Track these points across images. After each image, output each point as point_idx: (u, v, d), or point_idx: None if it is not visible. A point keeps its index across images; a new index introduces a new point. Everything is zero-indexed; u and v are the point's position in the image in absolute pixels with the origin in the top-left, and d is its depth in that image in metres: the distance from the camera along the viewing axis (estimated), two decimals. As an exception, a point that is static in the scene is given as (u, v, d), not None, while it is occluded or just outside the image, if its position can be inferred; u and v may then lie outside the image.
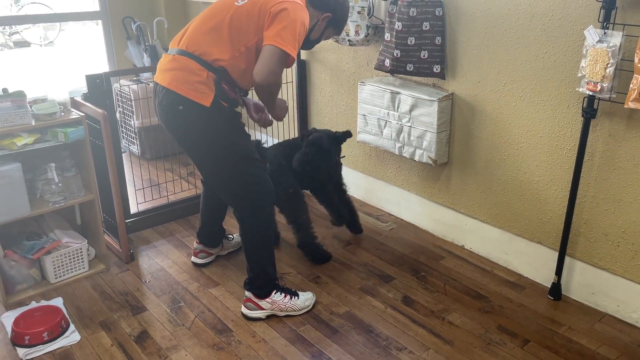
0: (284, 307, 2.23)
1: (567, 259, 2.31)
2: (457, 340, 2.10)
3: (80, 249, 2.51)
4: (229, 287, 2.46)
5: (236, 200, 2.16)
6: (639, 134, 2.01)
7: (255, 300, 2.22)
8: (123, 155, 2.96)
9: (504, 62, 2.37)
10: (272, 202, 2.22)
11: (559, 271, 2.32)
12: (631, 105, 1.89)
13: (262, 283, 2.22)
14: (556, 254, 2.32)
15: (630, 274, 2.15)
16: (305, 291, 2.34)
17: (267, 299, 2.21)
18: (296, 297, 2.26)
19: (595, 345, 2.07)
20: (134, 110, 3.79)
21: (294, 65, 3.40)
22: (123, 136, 4.06)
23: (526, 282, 2.48)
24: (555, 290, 2.33)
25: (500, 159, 2.50)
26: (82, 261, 2.54)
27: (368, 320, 2.22)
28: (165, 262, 2.68)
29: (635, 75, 1.87)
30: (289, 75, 3.50)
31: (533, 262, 2.48)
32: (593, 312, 2.26)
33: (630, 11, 1.93)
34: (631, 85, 1.88)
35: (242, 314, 2.26)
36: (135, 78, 3.94)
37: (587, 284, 2.29)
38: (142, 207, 3.03)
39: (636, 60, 1.86)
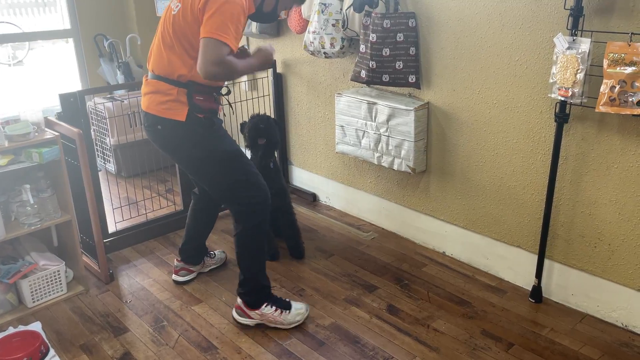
0: (272, 320, 2.22)
1: (546, 262, 2.35)
2: (442, 347, 2.11)
3: (58, 271, 2.46)
4: (212, 303, 2.43)
5: (232, 203, 2.19)
6: (610, 136, 2.07)
7: (245, 309, 2.23)
8: (99, 173, 2.91)
9: (477, 70, 2.41)
10: (268, 199, 2.19)
11: (539, 274, 2.35)
12: (602, 109, 1.94)
13: (251, 290, 2.22)
14: (535, 257, 2.36)
15: (608, 273, 2.20)
16: (299, 302, 2.32)
17: (257, 311, 2.21)
18: (287, 312, 2.23)
19: (577, 345, 2.10)
20: (108, 128, 3.74)
21: (270, 78, 3.41)
22: (98, 154, 4.00)
23: (507, 286, 2.51)
24: (536, 293, 2.37)
25: (477, 166, 2.54)
26: (60, 283, 2.48)
27: (354, 331, 2.22)
28: (146, 281, 2.64)
29: (604, 80, 1.93)
30: (266, 88, 3.51)
31: (513, 266, 2.51)
32: (574, 313, 2.29)
33: (597, 18, 1.99)
34: (601, 90, 1.94)
35: (232, 316, 2.28)
36: (109, 95, 3.89)
37: (567, 285, 2.33)
38: (120, 226, 2.98)
39: (605, 65, 1.92)
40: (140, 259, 2.85)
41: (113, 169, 3.91)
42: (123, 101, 3.71)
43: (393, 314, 2.32)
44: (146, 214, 3.17)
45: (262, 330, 2.24)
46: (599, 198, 2.15)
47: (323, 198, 3.45)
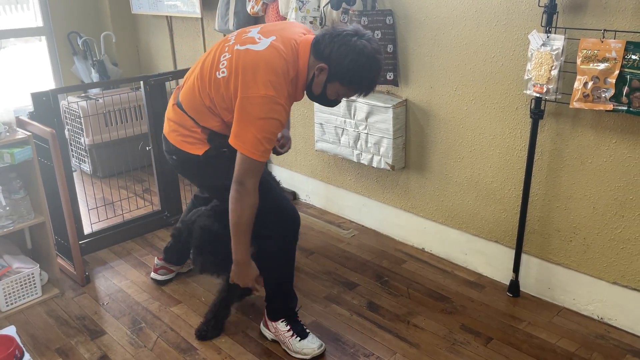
0: (283, 339, 2.10)
1: (523, 256, 2.38)
2: (422, 343, 2.12)
3: (32, 274, 2.40)
4: (191, 304, 2.41)
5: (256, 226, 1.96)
6: (584, 132, 2.10)
7: (267, 319, 2.16)
8: (74, 174, 2.86)
9: (454, 68, 2.43)
10: (294, 221, 2.07)
11: (516, 268, 2.38)
12: (576, 105, 1.97)
13: (275, 303, 2.14)
14: (513, 252, 2.38)
15: (584, 267, 2.23)
16: (317, 339, 2.10)
17: (274, 323, 2.13)
18: (298, 339, 2.07)
19: (555, 338, 2.13)
20: (83, 127, 3.67)
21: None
22: (73, 154, 3.93)
23: (486, 281, 2.53)
24: (514, 287, 2.40)
25: (455, 162, 2.56)
26: (35, 286, 2.43)
27: (335, 329, 2.22)
28: (123, 282, 2.60)
29: (578, 76, 1.95)
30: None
31: (491, 261, 2.54)
32: (551, 307, 2.33)
33: (571, 15, 2.02)
34: (575, 86, 1.96)
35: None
36: (83, 94, 3.83)
37: (544, 279, 2.36)
38: (96, 227, 2.93)
39: (578, 62, 1.95)
40: (117, 260, 2.80)
41: (88, 169, 3.85)
42: (98, 100, 3.65)
43: (373, 311, 2.33)
44: (123, 214, 3.13)
45: (242, 330, 2.22)
46: (574, 193, 2.18)
47: (303, 196, 3.44)
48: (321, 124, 2.95)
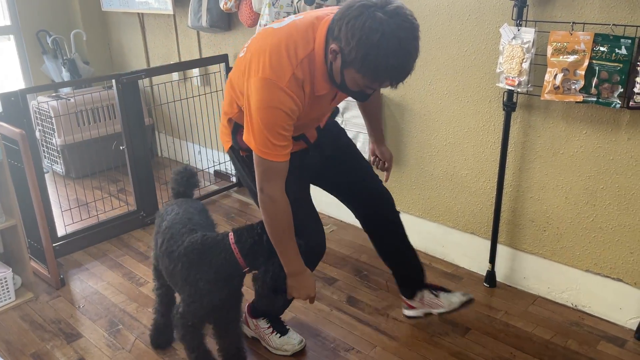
0: (263, 336, 2.08)
1: (499, 247, 2.42)
2: (402, 336, 2.14)
3: (5, 278, 2.35)
4: (169, 304, 2.39)
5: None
6: (555, 123, 2.14)
7: (248, 316, 2.12)
8: (46, 175, 2.80)
9: (428, 62, 2.44)
10: (319, 253, 1.87)
11: (492, 259, 2.42)
12: (547, 97, 2.00)
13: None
14: (489, 243, 2.42)
15: (558, 256, 2.28)
16: (296, 334, 2.08)
17: (254, 320, 2.10)
18: (278, 335, 2.05)
19: (531, 327, 2.17)
20: (55, 127, 3.60)
21: (223, 73, 3.35)
22: (45, 155, 3.85)
23: (463, 272, 2.56)
24: (490, 278, 2.43)
25: (430, 155, 2.58)
26: (8, 291, 2.38)
27: (314, 325, 2.22)
28: (99, 284, 2.56)
29: (548, 68, 1.98)
30: (218, 82, 3.45)
31: (468, 252, 2.57)
32: (527, 296, 2.37)
33: (541, 8, 2.05)
34: (546, 78, 1.99)
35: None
36: (54, 94, 3.75)
37: (519, 269, 2.40)
38: (70, 229, 2.88)
39: (548, 54, 1.98)
40: (93, 262, 2.76)
41: (61, 171, 3.77)
42: (69, 99, 3.58)
43: (353, 305, 2.34)
44: (97, 215, 3.08)
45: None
46: (547, 183, 2.22)
47: (280, 193, 3.43)
48: (297, 120, 2.94)
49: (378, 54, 1.36)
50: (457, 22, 2.29)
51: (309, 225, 1.82)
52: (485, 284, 2.45)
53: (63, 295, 2.48)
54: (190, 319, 1.76)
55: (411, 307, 2.16)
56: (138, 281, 2.57)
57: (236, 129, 1.76)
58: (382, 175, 2.07)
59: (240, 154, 1.81)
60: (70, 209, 3.06)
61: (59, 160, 3.76)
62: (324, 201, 3.16)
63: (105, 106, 3.74)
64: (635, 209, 2.03)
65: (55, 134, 3.63)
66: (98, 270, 2.68)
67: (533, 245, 2.34)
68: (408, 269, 2.12)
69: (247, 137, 1.57)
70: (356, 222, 3.01)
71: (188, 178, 2.04)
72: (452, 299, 2.07)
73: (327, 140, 1.92)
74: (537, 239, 2.32)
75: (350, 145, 2.03)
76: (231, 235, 1.71)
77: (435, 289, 2.12)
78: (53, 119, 3.53)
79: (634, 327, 2.11)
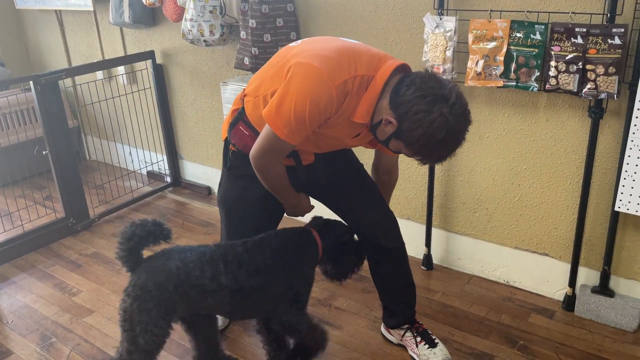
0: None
1: (433, 231, 2.49)
2: (345, 324, 2.17)
3: None
4: (105, 312, 2.30)
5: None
6: (479, 108, 2.22)
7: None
8: (-39, 186, 2.62)
9: (357, 52, 2.47)
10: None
11: (428, 243, 2.49)
12: (470, 83, 2.08)
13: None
14: (424, 228, 2.48)
15: (488, 236, 2.37)
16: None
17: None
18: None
19: (467, 305, 2.25)
20: (-31, 134, 3.36)
21: (150, 70, 3.25)
22: (-40, 165, 3.59)
23: (402, 257, 2.62)
24: (427, 260, 2.50)
25: (364, 145, 2.61)
26: None
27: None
28: (28, 297, 2.42)
29: (470, 55, 2.05)
30: (146, 80, 3.35)
31: (405, 237, 2.60)
32: (462, 276, 2.46)
33: (460, -2, 2.12)
34: (468, 65, 2.06)
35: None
36: (-34, 98, 3.50)
37: (453, 250, 2.49)
38: (-7, 241, 2.71)
39: (469, 42, 2.04)
40: (21, 274, 2.61)
41: (-20, 180, 3.53)
42: (-16, 104, 3.35)
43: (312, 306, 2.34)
44: (22, 225, 2.91)
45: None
46: (475, 166, 2.31)
47: (218, 190, 3.38)
48: (230, 115, 2.90)
49: (435, 147, 1.46)
50: (382, 12, 2.33)
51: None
52: (422, 267, 2.52)
53: (-12, 312, 2.33)
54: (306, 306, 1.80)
55: (388, 331, 2.07)
56: (70, 291, 2.46)
57: (235, 122, 1.74)
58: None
59: (229, 148, 1.81)
60: (-9, 220, 2.89)
61: (-24, 169, 3.52)
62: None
63: (25, 109, 3.54)
64: (556, 186, 2.15)
65: (-29, 142, 3.39)
66: (26, 282, 2.54)
67: (465, 227, 2.43)
68: (399, 306, 2.01)
69: (269, 112, 1.52)
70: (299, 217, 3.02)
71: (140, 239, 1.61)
72: None
73: (327, 169, 1.84)
74: (469, 220, 2.40)
75: (349, 172, 1.91)
76: (314, 231, 1.81)
77: (423, 336, 1.97)
78: (-33, 125, 3.30)
79: (561, 298, 2.23)
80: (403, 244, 1.96)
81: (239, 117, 1.73)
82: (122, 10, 3.06)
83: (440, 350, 1.93)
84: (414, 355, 1.96)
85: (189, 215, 3.15)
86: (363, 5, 2.37)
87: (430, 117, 1.40)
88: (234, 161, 1.81)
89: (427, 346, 1.94)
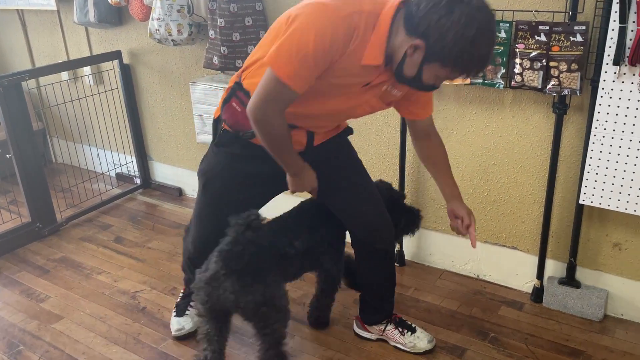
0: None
1: (406, 227, 2.51)
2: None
3: None
4: (74, 318, 2.25)
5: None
6: (448, 106, 2.25)
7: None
8: None
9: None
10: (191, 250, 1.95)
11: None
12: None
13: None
14: (396, 224, 2.51)
15: (459, 231, 2.41)
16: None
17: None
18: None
19: (439, 300, 2.29)
20: None
21: (117, 70, 3.19)
22: None
23: (375, 254, 2.64)
24: (400, 257, 2.53)
25: (336, 143, 2.62)
26: None
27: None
28: (-7, 305, 2.36)
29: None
30: (113, 80, 3.29)
31: (378, 235, 2.65)
32: (433, 271, 2.49)
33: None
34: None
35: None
36: None
37: (425, 246, 2.52)
38: (-45, 249, 2.63)
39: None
40: (-15, 281, 2.54)
41: (-60, 185, 3.42)
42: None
43: (269, 298, 2.33)
44: (-14, 231, 2.83)
45: (133, 337, 2.12)
46: (445, 163, 2.34)
47: (189, 191, 3.34)
48: (201, 115, 2.87)
49: (473, 48, 1.35)
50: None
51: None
52: (396, 263, 2.53)
53: (-49, 322, 2.26)
54: None
55: (365, 330, 2.07)
56: (38, 297, 2.40)
57: (228, 99, 1.65)
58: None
59: (221, 125, 1.71)
60: (-47, 227, 2.79)
61: (-64, 174, 3.40)
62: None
63: (-13, 112, 3.43)
64: (522, 181, 2.20)
65: None
66: (-9, 290, 2.47)
67: (436, 223, 2.46)
68: (384, 303, 2.03)
69: (269, 56, 1.41)
70: (266, 213, 3.01)
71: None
72: (419, 345, 1.98)
73: (321, 163, 1.76)
74: (439, 216, 2.44)
75: (345, 166, 1.87)
76: None
77: (402, 325, 2.01)
78: None
79: (530, 291, 2.29)
80: (394, 247, 2.00)
81: (232, 92, 1.64)
82: (86, 9, 3.00)
83: (422, 332, 2.00)
84: (399, 346, 2.00)
85: (160, 217, 3.11)
86: (332, 4, 2.38)
87: (454, 18, 1.32)
88: (223, 137, 1.72)
89: (409, 333, 1.99)
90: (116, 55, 3.14)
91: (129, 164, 3.51)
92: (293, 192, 1.75)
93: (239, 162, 1.73)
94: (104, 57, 3.14)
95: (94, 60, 3.19)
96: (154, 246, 2.78)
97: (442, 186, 1.86)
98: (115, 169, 3.58)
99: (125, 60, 3.20)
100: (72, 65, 3.20)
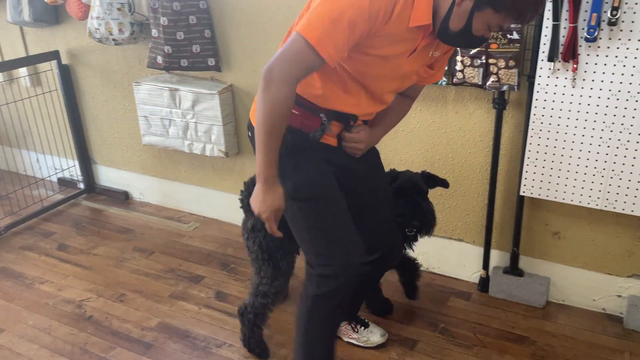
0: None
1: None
2: (273, 322, 2.15)
3: None
4: (17, 330, 2.15)
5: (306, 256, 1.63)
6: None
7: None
8: None
9: (273, 50, 2.46)
10: (349, 266, 1.56)
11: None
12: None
13: None
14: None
15: (408, 225, 2.46)
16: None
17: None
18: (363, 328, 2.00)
19: (390, 294, 2.32)
20: None
21: (56, 71, 3.07)
22: None
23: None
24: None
25: (285, 142, 2.62)
26: None
27: (183, 326, 2.16)
28: None
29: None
30: (52, 82, 3.16)
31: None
32: (385, 266, 2.53)
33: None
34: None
35: None
36: None
37: (377, 242, 2.55)
38: None
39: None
40: None
41: None
42: None
43: (222, 300, 2.31)
44: None
45: (80, 347, 2.05)
46: (393, 158, 2.38)
47: (136, 195, 3.26)
48: (146, 116, 2.80)
49: None
50: (297, 9, 2.34)
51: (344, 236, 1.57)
52: (347, 260, 2.56)
53: None
54: None
55: None
56: (-25, 311, 2.28)
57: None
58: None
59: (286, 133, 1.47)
60: None
61: None
62: (184, 198, 3.07)
63: None
64: (466, 174, 2.26)
65: None
66: None
67: (386, 218, 2.50)
68: (351, 307, 2.01)
69: (300, 24, 1.32)
70: (219, 216, 2.98)
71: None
72: (372, 339, 2.01)
73: (359, 173, 1.66)
74: (389, 211, 2.48)
75: (377, 188, 1.77)
76: None
77: (355, 322, 2.03)
78: None
79: (477, 281, 2.36)
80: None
81: None
82: (20, 8, 2.87)
83: (374, 327, 2.04)
84: (352, 341, 2.03)
85: (106, 222, 3.02)
86: (277, 1, 2.37)
87: None
88: (296, 143, 1.51)
89: (362, 328, 2.03)
90: (54, 55, 3.02)
91: (72, 168, 3.38)
92: (255, 213, 1.49)
93: (328, 162, 1.57)
94: (41, 57, 3.01)
95: (30, 60, 3.05)
96: (100, 252, 2.70)
97: (377, 124, 1.71)
98: (56, 173, 3.44)
99: (64, 61, 3.08)
100: (6, 66, 3.05)
